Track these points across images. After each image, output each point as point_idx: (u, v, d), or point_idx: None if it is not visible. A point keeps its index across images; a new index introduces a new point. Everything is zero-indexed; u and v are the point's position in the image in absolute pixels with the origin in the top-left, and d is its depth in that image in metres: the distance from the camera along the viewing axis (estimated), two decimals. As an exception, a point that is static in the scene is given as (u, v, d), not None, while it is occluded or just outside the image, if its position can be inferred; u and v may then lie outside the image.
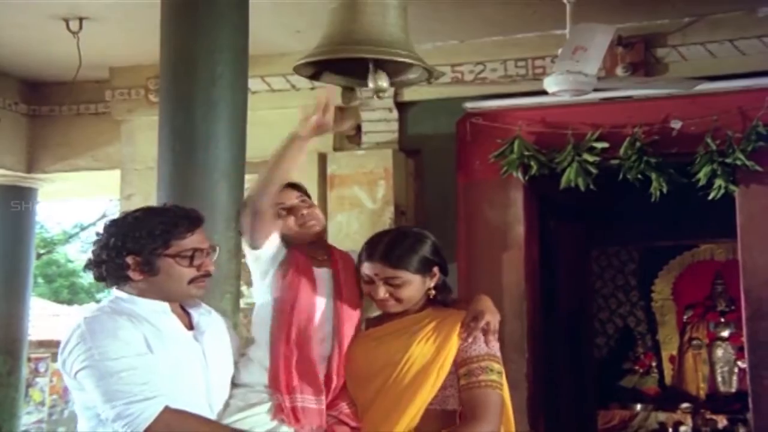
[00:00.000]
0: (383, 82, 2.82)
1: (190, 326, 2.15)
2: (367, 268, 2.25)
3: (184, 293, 2.12)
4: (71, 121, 5.80)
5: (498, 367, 2.21)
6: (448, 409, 2.19)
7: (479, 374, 2.18)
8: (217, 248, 2.20)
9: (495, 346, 2.24)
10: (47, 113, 5.86)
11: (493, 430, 2.16)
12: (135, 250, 2.05)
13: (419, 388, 2.17)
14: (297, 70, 3.02)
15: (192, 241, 2.11)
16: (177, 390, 2.02)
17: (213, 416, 2.12)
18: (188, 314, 2.17)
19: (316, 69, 3.08)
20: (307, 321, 2.24)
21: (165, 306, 2.10)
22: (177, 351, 2.06)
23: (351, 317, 2.29)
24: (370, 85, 2.85)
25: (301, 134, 2.15)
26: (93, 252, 2.12)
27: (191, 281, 2.10)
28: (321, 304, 2.28)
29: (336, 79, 3.03)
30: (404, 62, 2.90)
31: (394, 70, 3.06)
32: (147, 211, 2.14)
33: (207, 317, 2.20)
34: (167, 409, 1.95)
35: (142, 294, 2.09)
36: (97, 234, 2.14)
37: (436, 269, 2.33)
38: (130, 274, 2.07)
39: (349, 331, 2.27)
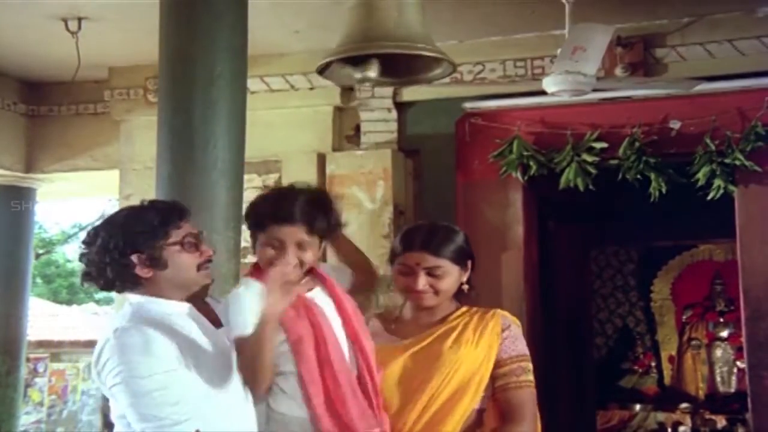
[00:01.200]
0: (372, 72, 2.80)
1: (216, 322, 2.12)
2: (407, 258, 2.20)
3: (195, 281, 2.07)
4: (70, 121, 5.79)
5: (531, 366, 2.23)
6: (477, 408, 2.20)
7: (519, 374, 2.19)
8: (204, 233, 2.15)
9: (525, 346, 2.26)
10: (46, 113, 5.85)
11: (533, 430, 2.18)
12: (138, 246, 2.00)
13: (466, 392, 2.15)
14: (320, 71, 2.99)
15: (186, 228, 2.08)
16: (217, 391, 1.98)
17: (249, 406, 2.07)
18: (208, 309, 2.15)
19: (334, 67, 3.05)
20: (338, 352, 2.11)
21: (188, 306, 2.06)
22: (211, 357, 2.02)
23: (364, 329, 2.20)
24: (358, 75, 2.83)
25: (269, 320, 1.97)
26: (90, 259, 2.03)
27: (199, 267, 2.07)
28: (337, 326, 2.15)
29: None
30: (425, 56, 2.88)
31: (414, 67, 3.03)
32: (135, 209, 2.09)
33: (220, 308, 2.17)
34: None
35: (157, 294, 2.03)
36: (87, 241, 2.05)
37: (469, 262, 2.31)
38: (138, 272, 2.01)
39: (368, 344, 2.17)
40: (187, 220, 2.10)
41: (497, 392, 2.18)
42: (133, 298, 2.05)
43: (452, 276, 2.23)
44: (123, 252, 1.99)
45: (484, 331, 2.21)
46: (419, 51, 2.88)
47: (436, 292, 2.22)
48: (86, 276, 2.06)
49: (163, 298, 2.04)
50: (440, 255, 2.20)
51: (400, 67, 3.09)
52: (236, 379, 2.04)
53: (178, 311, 2.05)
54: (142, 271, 2.01)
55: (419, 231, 2.25)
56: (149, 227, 2.02)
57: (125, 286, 2.04)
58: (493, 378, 2.18)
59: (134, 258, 2.00)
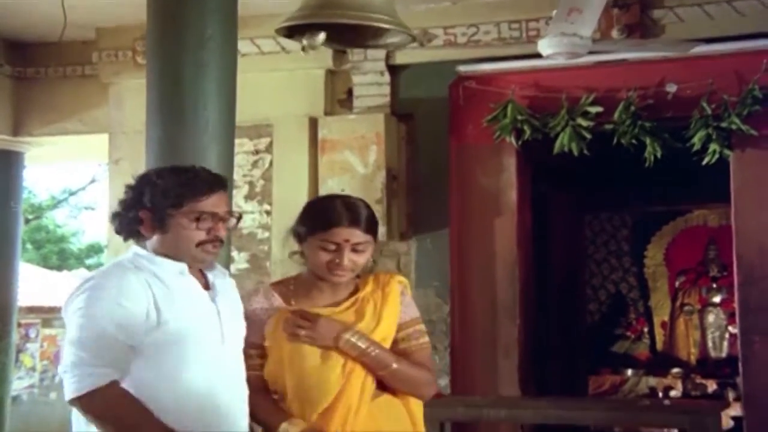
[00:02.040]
0: (318, 41, 2.77)
1: (206, 287, 2.17)
2: (334, 235, 2.20)
3: (191, 255, 2.13)
4: (57, 83, 5.69)
5: (424, 327, 2.36)
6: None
7: (418, 337, 2.32)
8: (239, 216, 2.22)
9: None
10: (33, 75, 5.73)
11: (434, 381, 2.37)
12: (148, 205, 2.10)
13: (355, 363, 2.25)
14: (279, 32, 2.97)
15: (207, 204, 2.11)
16: (191, 349, 2.05)
17: (230, 374, 2.13)
18: (204, 276, 2.19)
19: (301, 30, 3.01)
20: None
21: (183, 267, 2.11)
22: (191, 311, 2.09)
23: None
24: (304, 42, 2.80)
25: None
26: (118, 205, 2.18)
27: (199, 244, 2.11)
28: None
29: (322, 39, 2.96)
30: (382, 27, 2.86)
31: (376, 34, 3.02)
32: (170, 170, 2.18)
33: (222, 279, 2.21)
34: (113, 386, 1.95)
35: (156, 252, 2.12)
36: (128, 186, 2.19)
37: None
38: (142, 229, 2.12)
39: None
40: (215, 195, 2.13)
41: (399, 354, 2.28)
42: (135, 249, 2.16)
43: (370, 251, 2.26)
44: (134, 207, 2.12)
45: (387, 298, 2.28)
46: (371, 22, 2.85)
47: (355, 268, 2.25)
48: (111, 218, 2.19)
49: (161, 257, 2.12)
50: (367, 231, 2.24)
51: (357, 34, 3.04)
52: (214, 338, 2.12)
53: (171, 269, 2.10)
54: (145, 229, 2.12)
55: (345, 206, 2.24)
56: (165, 191, 2.10)
57: (130, 237, 2.16)
58: (394, 341, 2.29)
59: (142, 215, 2.11)
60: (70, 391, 1.95)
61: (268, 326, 2.26)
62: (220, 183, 2.17)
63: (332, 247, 2.20)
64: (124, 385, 2.00)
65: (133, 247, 2.16)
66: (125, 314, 1.99)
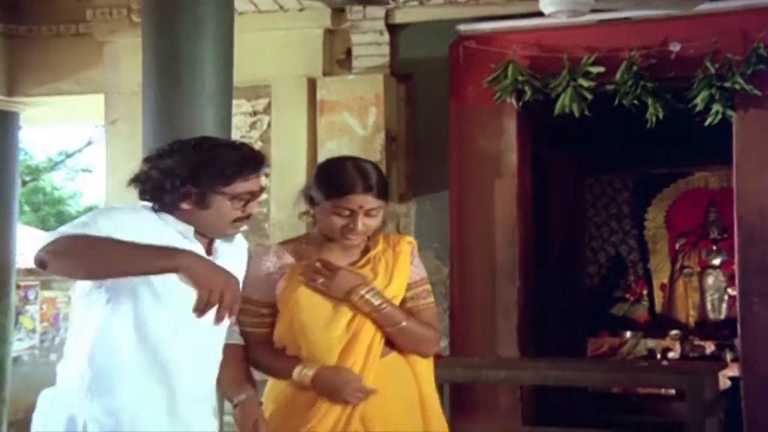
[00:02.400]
0: None
1: (209, 252, 2.15)
2: (349, 202, 2.21)
3: (222, 231, 2.13)
4: (51, 42, 5.60)
5: (430, 287, 2.40)
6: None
7: (426, 297, 2.37)
8: (264, 189, 2.20)
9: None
10: (25, 33, 5.64)
11: (439, 339, 2.46)
12: (198, 182, 2.04)
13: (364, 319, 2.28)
14: None
15: (251, 184, 2.11)
16: (165, 302, 2.03)
17: (209, 335, 2.12)
18: (211, 241, 2.18)
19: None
20: None
21: (190, 229, 2.09)
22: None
23: None
24: None
25: None
26: (153, 172, 2.06)
27: (234, 221, 2.11)
28: None
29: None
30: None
31: None
32: (220, 146, 2.13)
33: (227, 243, 2.20)
34: (84, 235, 1.93)
35: (178, 218, 2.09)
36: (161, 154, 2.10)
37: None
38: (184, 204, 2.06)
39: None
40: (258, 174, 2.13)
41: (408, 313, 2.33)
42: (143, 203, 2.11)
43: (381, 214, 2.29)
44: (184, 182, 2.04)
45: (398, 258, 2.33)
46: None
47: (367, 232, 2.28)
48: (136, 181, 2.10)
49: (175, 218, 2.09)
50: (379, 196, 2.26)
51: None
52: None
53: (179, 229, 2.09)
54: (186, 204, 2.06)
55: (358, 172, 2.25)
56: (218, 170, 2.05)
57: (161, 205, 2.08)
58: (402, 300, 2.33)
59: (188, 190, 2.05)
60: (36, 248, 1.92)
61: (280, 284, 2.28)
62: (263, 162, 2.16)
63: (346, 212, 2.22)
64: (90, 328, 2.01)
65: (140, 203, 2.11)
66: (118, 222, 1.99)
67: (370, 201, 2.22)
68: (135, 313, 2.03)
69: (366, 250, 2.33)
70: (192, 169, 2.04)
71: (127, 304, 2.02)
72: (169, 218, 2.08)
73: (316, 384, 2.19)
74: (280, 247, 2.37)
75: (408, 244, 2.36)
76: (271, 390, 2.31)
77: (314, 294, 2.23)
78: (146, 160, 2.12)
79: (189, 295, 1.91)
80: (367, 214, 2.23)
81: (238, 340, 2.29)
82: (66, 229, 1.95)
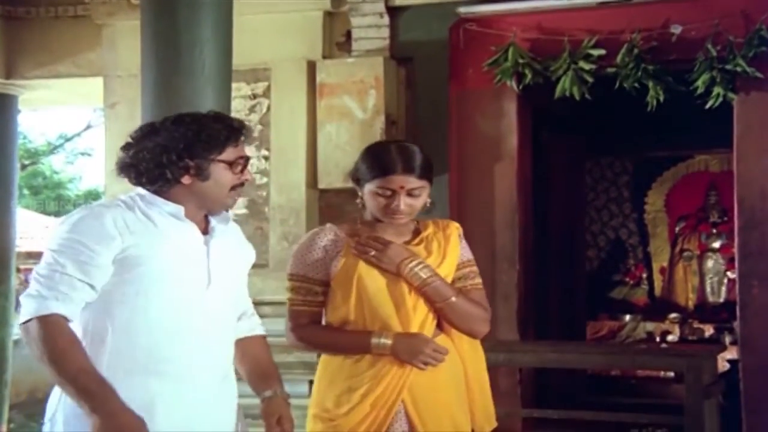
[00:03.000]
0: None
1: (205, 231, 2.15)
2: (390, 182, 2.29)
3: (222, 201, 2.13)
4: (49, 24, 5.56)
5: (477, 269, 2.48)
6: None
7: (473, 278, 2.44)
8: (249, 159, 2.20)
9: None
10: (23, 15, 5.60)
11: (489, 318, 2.45)
12: (196, 154, 2.05)
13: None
14: None
15: (241, 149, 2.14)
16: (169, 289, 2.03)
17: (214, 317, 2.11)
18: (207, 221, 2.18)
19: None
20: None
21: (178, 209, 2.09)
22: (175, 252, 2.06)
23: None
24: None
25: None
26: (141, 154, 2.05)
27: (232, 188, 2.13)
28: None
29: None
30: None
31: None
32: (202, 116, 2.13)
33: (224, 225, 2.20)
34: (57, 318, 1.92)
35: (175, 201, 2.08)
36: (142, 135, 2.08)
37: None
38: (185, 179, 2.06)
39: None
40: (244, 141, 2.15)
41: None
42: (138, 190, 2.09)
43: (426, 194, 2.36)
44: (181, 156, 2.04)
45: (449, 239, 2.42)
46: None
47: (412, 212, 2.35)
48: (126, 168, 2.08)
49: (164, 200, 2.08)
50: (422, 177, 2.33)
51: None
52: (200, 280, 2.09)
53: (165, 210, 2.08)
54: (186, 178, 2.06)
55: (400, 153, 2.32)
56: (212, 138, 2.06)
57: (159, 185, 2.07)
58: (452, 281, 2.40)
59: (190, 163, 2.05)
60: (21, 314, 1.94)
61: (336, 262, 2.33)
62: (248, 128, 2.18)
63: (388, 192, 2.30)
64: (105, 324, 2.00)
65: (138, 189, 2.10)
66: (90, 255, 1.96)
67: (411, 181, 2.29)
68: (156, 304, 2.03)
69: (417, 232, 2.41)
70: (185, 141, 2.04)
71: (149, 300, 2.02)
72: (158, 200, 2.06)
73: (398, 349, 2.25)
74: (335, 227, 2.42)
75: (456, 228, 2.45)
76: (326, 370, 2.36)
77: (371, 269, 2.30)
78: (127, 146, 2.10)
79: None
80: (410, 194, 2.30)
81: (262, 331, 2.30)
82: (30, 303, 1.93)
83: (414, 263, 2.29)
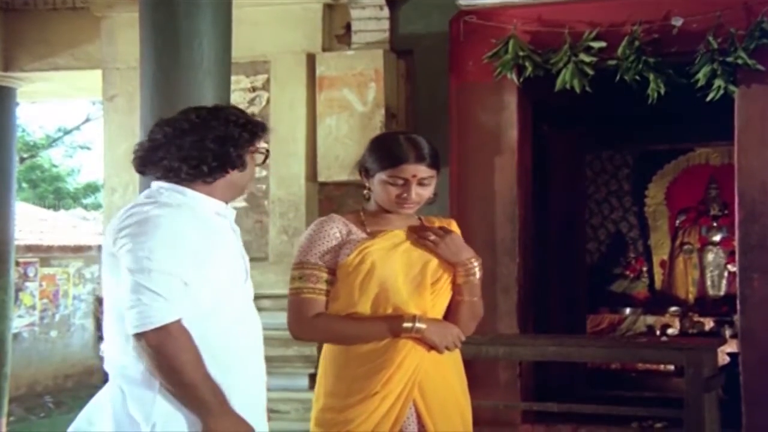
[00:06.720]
0: None
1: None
2: (402, 171, 2.31)
3: (246, 190, 2.22)
4: (48, 16, 5.54)
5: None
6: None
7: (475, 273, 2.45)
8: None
9: None
10: (21, 7, 5.57)
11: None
12: (237, 144, 2.10)
13: (445, 283, 2.40)
14: None
15: (263, 140, 2.21)
16: (228, 288, 2.08)
17: (251, 311, 2.16)
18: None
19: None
20: None
21: (222, 206, 2.13)
22: (227, 250, 2.11)
23: None
24: None
25: None
26: (207, 146, 2.05)
27: (250, 180, 2.22)
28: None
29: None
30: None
31: None
32: (223, 110, 2.17)
33: (232, 213, 2.25)
34: (178, 324, 1.96)
35: (209, 194, 2.10)
36: (183, 128, 2.07)
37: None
38: (230, 168, 2.10)
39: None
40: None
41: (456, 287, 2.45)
42: (161, 183, 2.09)
43: (434, 183, 2.39)
44: (237, 145, 2.09)
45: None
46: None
47: (419, 202, 2.38)
48: (194, 159, 2.06)
49: (212, 198, 2.11)
50: (432, 166, 2.36)
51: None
52: (247, 284, 2.18)
53: (211, 208, 2.11)
54: (232, 167, 2.10)
55: (410, 143, 2.34)
56: (249, 129, 2.13)
57: (192, 178, 2.07)
58: (454, 275, 2.43)
59: (231, 152, 2.08)
60: (136, 325, 1.93)
61: (345, 250, 2.33)
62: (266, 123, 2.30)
63: (400, 182, 2.32)
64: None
65: (177, 189, 2.07)
66: (183, 252, 1.99)
67: (422, 170, 2.32)
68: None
69: (422, 225, 2.43)
70: (241, 129, 2.10)
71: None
72: (199, 197, 2.08)
73: (431, 331, 2.29)
74: (340, 217, 2.43)
75: (457, 227, 2.49)
76: (334, 361, 2.35)
77: (388, 257, 2.30)
78: (159, 139, 2.07)
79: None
80: (420, 183, 2.33)
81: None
82: (150, 314, 1.94)
83: (474, 258, 2.38)
